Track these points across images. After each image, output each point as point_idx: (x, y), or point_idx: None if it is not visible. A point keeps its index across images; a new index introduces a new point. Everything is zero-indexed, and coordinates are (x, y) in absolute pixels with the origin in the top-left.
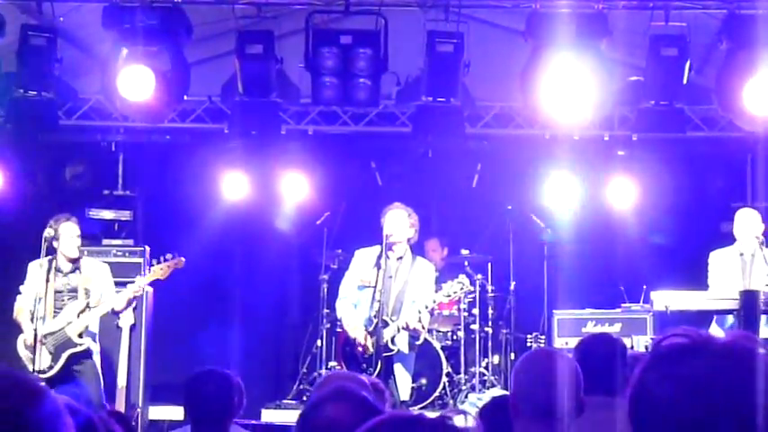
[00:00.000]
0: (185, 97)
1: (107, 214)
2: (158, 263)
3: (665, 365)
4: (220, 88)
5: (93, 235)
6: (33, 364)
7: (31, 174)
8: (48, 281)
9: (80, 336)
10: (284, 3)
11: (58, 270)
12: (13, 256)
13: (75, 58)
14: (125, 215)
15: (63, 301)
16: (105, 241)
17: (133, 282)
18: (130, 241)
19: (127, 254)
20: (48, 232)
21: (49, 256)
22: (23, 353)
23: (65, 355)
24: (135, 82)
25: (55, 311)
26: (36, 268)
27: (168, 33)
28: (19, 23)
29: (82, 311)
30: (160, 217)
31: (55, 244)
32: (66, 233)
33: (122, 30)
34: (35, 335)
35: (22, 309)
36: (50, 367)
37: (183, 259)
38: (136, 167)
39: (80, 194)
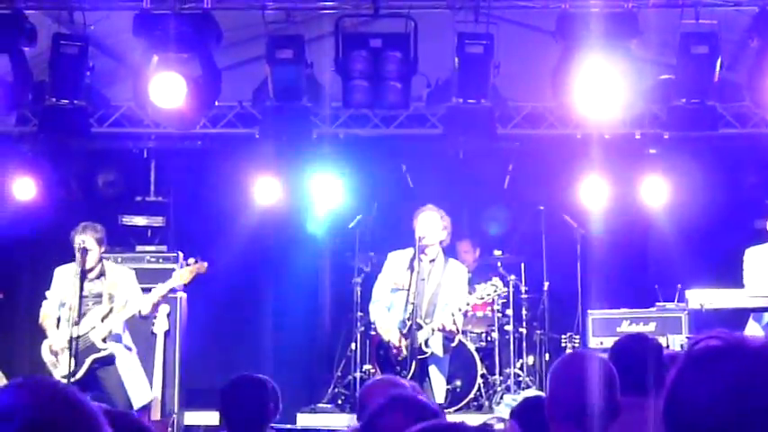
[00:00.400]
0: (216, 103)
1: (140, 220)
2: (181, 267)
3: (700, 368)
4: (251, 93)
5: (126, 241)
6: (58, 370)
7: (63, 181)
8: (82, 289)
9: (104, 341)
10: (313, 7)
11: (83, 275)
12: (47, 263)
13: (106, 66)
14: (158, 221)
15: (88, 306)
16: (139, 247)
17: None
18: (164, 247)
19: (160, 260)
20: (79, 242)
21: (84, 265)
22: (48, 358)
23: (88, 361)
24: (166, 89)
25: (79, 317)
26: (62, 274)
27: (198, 40)
28: (51, 32)
29: (105, 316)
30: (193, 222)
31: None
32: (75, 245)
33: (153, 37)
34: (70, 339)
35: (47, 314)
36: (74, 372)
37: (205, 264)
38: (168, 174)
39: (113, 201)
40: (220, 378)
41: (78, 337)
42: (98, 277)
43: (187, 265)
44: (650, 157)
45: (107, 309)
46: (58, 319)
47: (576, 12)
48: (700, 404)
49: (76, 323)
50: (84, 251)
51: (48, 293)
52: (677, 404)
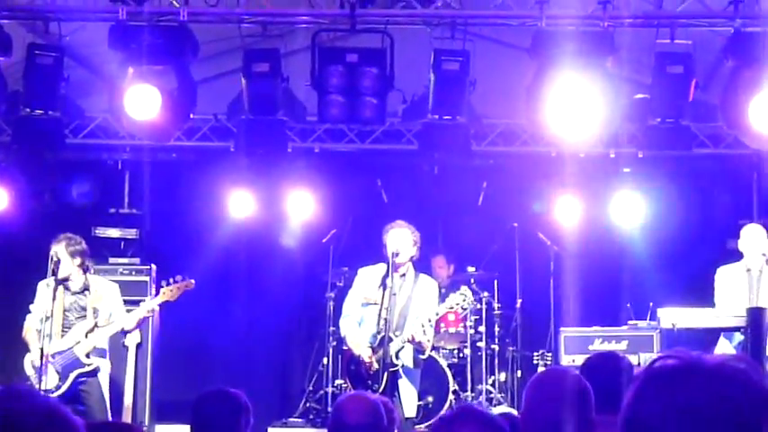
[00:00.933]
0: (191, 116)
1: (113, 233)
2: (168, 284)
3: (656, 386)
4: (226, 106)
5: (99, 253)
6: (40, 384)
7: (37, 192)
8: (54, 300)
9: (87, 356)
10: (290, 21)
11: (66, 289)
12: (19, 275)
13: (81, 77)
14: (131, 233)
15: (71, 320)
16: (112, 260)
17: (141, 301)
18: (137, 260)
19: (133, 272)
20: (52, 252)
21: (55, 276)
22: (30, 372)
23: (72, 375)
24: (141, 101)
25: (63, 330)
26: (44, 287)
27: (174, 52)
28: (26, 42)
29: (90, 331)
30: (166, 235)
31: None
32: (56, 255)
33: (128, 49)
34: (41, 353)
35: (30, 328)
36: (57, 387)
37: (192, 281)
38: (142, 186)
39: (86, 213)
40: (192, 391)
41: (62, 351)
42: (82, 291)
43: (174, 282)
44: (624, 176)
45: (91, 323)
46: (41, 334)
47: (551, 29)
48: (655, 422)
49: (48, 335)
50: (57, 262)
51: (31, 307)
52: (633, 422)
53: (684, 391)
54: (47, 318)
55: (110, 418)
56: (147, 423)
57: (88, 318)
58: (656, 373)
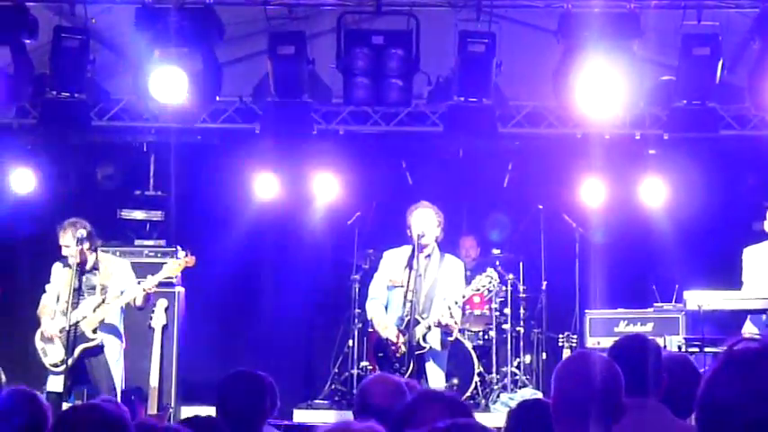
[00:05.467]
0: (217, 98)
1: (139, 215)
2: (173, 259)
3: (737, 368)
4: (252, 89)
5: (125, 235)
6: (48, 357)
7: (63, 175)
8: (67, 280)
9: (94, 331)
10: (315, 3)
11: (78, 269)
12: (46, 256)
13: (107, 60)
14: (157, 215)
15: (82, 298)
16: (137, 242)
17: (169, 282)
18: (162, 241)
19: (159, 254)
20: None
21: (67, 263)
22: (39, 345)
23: (77, 350)
24: (167, 83)
25: (73, 308)
26: (59, 268)
27: (200, 34)
28: (52, 25)
29: (98, 306)
30: (192, 217)
31: None
32: (62, 242)
33: (154, 31)
34: (61, 330)
35: (45, 305)
36: (63, 361)
37: (193, 259)
38: (167, 168)
39: (112, 195)
40: (217, 373)
41: (70, 327)
42: (92, 270)
43: (176, 258)
44: (650, 158)
45: (99, 300)
46: (55, 312)
47: (577, 11)
48: (734, 404)
49: (63, 313)
50: (80, 240)
51: (47, 287)
52: (711, 402)
53: (762, 375)
54: (58, 298)
55: (118, 394)
56: (173, 405)
57: (96, 294)
58: (738, 355)
